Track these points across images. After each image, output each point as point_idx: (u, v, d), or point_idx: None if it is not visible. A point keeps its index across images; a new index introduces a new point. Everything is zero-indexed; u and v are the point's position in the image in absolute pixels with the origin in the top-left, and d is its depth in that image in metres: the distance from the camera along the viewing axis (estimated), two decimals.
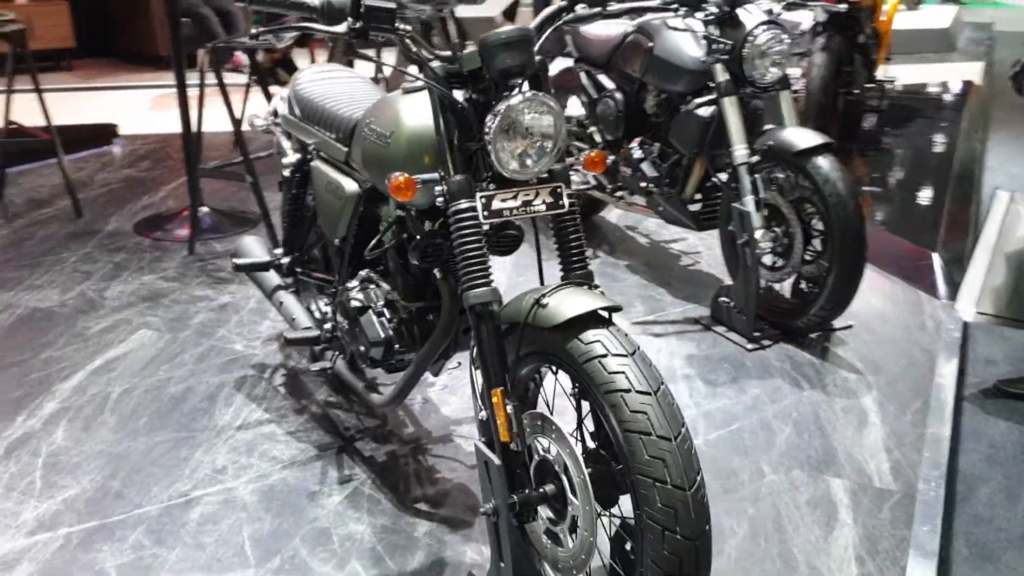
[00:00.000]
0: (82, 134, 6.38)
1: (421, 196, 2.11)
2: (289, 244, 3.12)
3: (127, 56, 9.35)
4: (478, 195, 1.99)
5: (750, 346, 3.46)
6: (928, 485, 2.66)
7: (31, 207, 5.11)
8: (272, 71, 7.07)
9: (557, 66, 4.57)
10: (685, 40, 3.71)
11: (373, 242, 2.51)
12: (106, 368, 3.30)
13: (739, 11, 3.42)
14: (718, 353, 3.44)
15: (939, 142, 6.33)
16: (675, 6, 3.28)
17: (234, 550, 2.39)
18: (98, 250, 4.45)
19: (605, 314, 1.89)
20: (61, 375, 3.25)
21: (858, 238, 3.21)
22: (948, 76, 8.41)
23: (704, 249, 4.42)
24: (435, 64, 2.02)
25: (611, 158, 4.18)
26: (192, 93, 4.52)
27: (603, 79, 4.22)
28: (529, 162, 2.01)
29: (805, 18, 5.92)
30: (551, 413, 2.07)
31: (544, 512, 2.02)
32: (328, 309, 2.87)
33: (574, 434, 1.99)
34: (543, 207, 2.04)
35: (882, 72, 6.43)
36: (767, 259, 3.53)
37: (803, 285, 3.52)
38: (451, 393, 3.13)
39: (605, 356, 1.79)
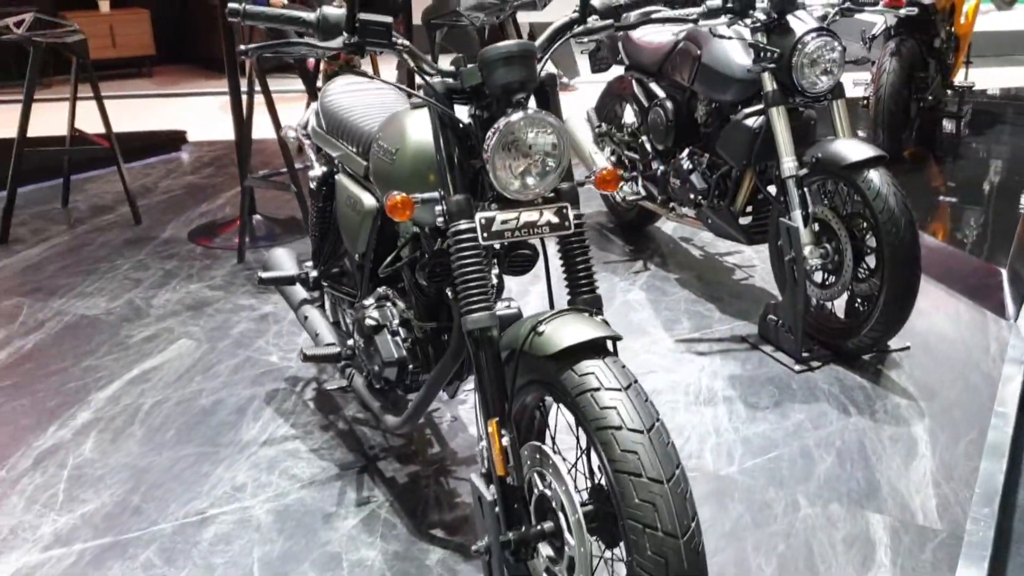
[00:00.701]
0: (153, 140, 6.50)
1: (426, 214, 2.03)
2: (317, 257, 3.08)
3: (205, 63, 9.52)
4: (477, 215, 1.91)
5: (798, 367, 3.29)
6: (977, 525, 2.48)
7: (94, 213, 5.20)
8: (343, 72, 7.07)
9: (612, 74, 4.48)
10: (734, 48, 3.57)
11: (389, 259, 2.45)
12: (142, 378, 3.31)
13: (789, 18, 3.27)
14: (763, 374, 3.29)
15: (1021, 150, 6.01)
16: (686, 13, 3.14)
17: (242, 572, 2.35)
18: (151, 257, 4.50)
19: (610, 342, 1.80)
20: (98, 384, 3.28)
21: (911, 256, 3.03)
22: None
23: (760, 263, 4.25)
24: (435, 80, 1.95)
25: (660, 169, 4.06)
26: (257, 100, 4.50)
27: (654, 87, 4.11)
28: (531, 181, 1.91)
29: (879, 19, 5.68)
30: (554, 445, 1.97)
31: (545, 550, 1.92)
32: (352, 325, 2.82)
33: (576, 468, 1.90)
34: (547, 228, 1.94)
35: (960, 77, 6.13)
36: (817, 276, 3.37)
37: (857, 304, 3.35)
38: None
39: (598, 390, 1.69)
